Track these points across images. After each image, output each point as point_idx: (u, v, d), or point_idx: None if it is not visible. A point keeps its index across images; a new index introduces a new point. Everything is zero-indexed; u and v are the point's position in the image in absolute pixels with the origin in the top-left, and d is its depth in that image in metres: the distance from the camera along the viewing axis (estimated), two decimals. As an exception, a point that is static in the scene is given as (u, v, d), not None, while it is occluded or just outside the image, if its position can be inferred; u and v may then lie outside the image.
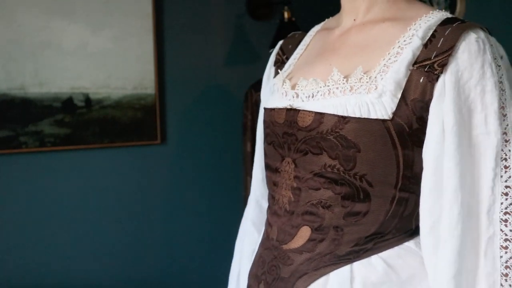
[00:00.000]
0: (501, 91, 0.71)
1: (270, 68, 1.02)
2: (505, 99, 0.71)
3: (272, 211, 0.87)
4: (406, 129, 0.73)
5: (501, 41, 1.85)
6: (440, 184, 0.72)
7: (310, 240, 0.79)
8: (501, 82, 0.71)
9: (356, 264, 0.77)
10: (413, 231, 0.80)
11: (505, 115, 0.71)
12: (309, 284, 0.78)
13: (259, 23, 2.57)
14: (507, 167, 0.70)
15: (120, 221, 2.30)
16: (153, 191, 2.38)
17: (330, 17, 0.96)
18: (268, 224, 0.88)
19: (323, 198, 0.77)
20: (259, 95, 1.50)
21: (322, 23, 0.98)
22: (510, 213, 0.70)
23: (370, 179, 0.75)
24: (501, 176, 0.70)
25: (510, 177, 0.70)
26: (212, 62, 2.48)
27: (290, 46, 1.00)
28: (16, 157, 2.06)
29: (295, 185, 0.80)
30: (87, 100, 2.17)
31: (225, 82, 2.51)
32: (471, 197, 0.71)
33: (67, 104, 2.13)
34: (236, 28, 2.53)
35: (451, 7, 2.06)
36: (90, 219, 2.23)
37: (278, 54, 1.02)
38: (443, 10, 0.79)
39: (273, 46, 2.29)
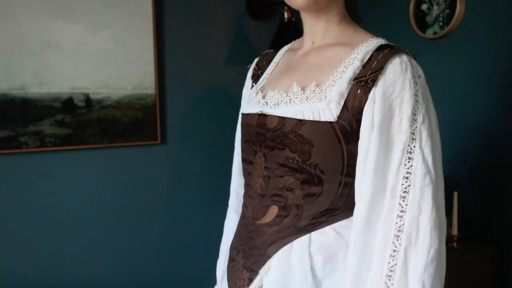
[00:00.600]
0: (416, 102, 0.97)
1: (248, 80, 1.28)
2: (417, 108, 0.97)
3: (247, 195, 1.13)
4: (348, 128, 0.99)
5: (500, 41, 1.85)
6: None
7: (277, 216, 1.05)
8: (416, 95, 0.97)
9: (314, 233, 1.03)
10: None
11: (415, 120, 0.97)
12: (278, 250, 1.04)
13: (259, 23, 2.60)
14: (411, 158, 0.96)
15: (120, 221, 2.33)
16: (153, 191, 2.40)
17: (297, 39, 1.22)
18: (245, 205, 1.14)
19: (287, 183, 1.03)
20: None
21: (290, 44, 1.24)
22: (407, 192, 0.95)
23: (322, 168, 1.01)
24: (405, 164, 0.95)
25: (411, 166, 0.95)
26: (212, 62, 2.51)
27: (264, 63, 1.25)
28: (16, 157, 2.08)
29: (265, 173, 1.06)
30: (87, 100, 2.19)
31: (225, 82, 2.54)
32: (382, 177, 0.97)
33: (67, 104, 2.15)
34: (236, 28, 2.55)
35: (451, 7, 2.06)
36: (90, 219, 2.26)
37: (254, 69, 1.27)
38: (380, 37, 1.06)
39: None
